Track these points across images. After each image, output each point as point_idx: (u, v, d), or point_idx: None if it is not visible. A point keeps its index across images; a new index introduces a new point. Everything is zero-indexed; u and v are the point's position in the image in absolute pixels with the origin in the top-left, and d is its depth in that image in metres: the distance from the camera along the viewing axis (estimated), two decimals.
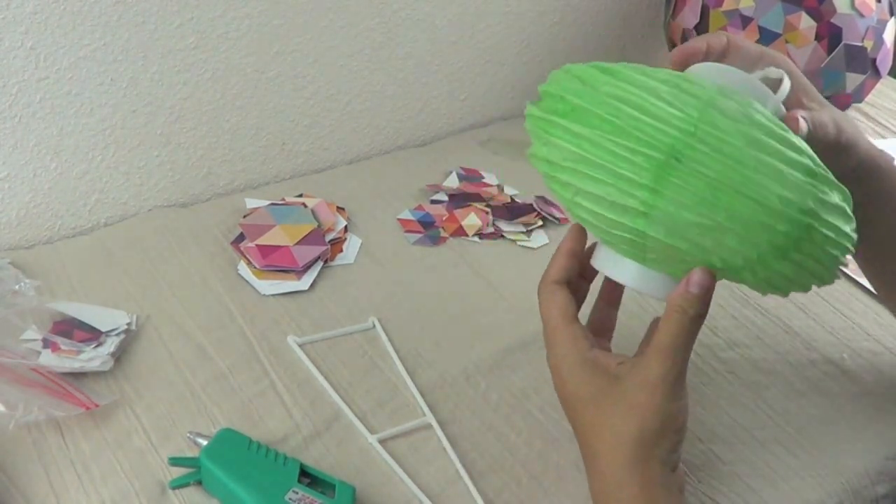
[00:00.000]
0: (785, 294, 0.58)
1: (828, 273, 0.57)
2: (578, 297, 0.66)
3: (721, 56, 0.65)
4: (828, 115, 0.64)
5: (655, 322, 0.66)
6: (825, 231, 0.54)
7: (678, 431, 0.58)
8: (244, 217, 0.90)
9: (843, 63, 1.04)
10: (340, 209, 0.94)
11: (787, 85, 0.62)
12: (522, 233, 0.95)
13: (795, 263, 0.55)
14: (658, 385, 0.57)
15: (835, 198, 0.55)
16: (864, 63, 1.06)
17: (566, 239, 0.65)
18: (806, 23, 1.02)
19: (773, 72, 0.63)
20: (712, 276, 0.56)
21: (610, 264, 0.61)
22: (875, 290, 0.81)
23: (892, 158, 0.71)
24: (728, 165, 0.52)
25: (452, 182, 1.01)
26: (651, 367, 0.57)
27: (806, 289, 0.58)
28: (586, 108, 0.56)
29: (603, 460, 0.59)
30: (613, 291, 0.69)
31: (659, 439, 0.57)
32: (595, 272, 0.65)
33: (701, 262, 0.56)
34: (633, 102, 0.54)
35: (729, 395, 0.78)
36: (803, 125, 0.60)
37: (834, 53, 1.03)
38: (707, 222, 0.53)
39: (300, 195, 0.96)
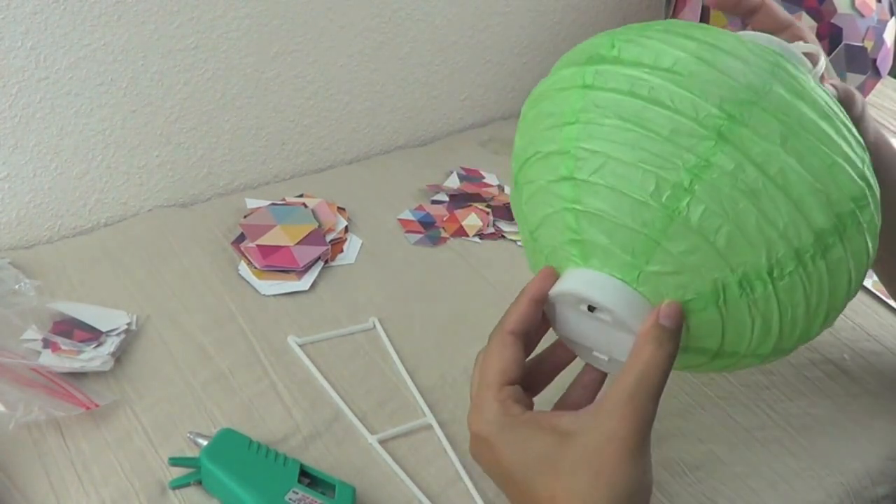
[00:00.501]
0: (777, 347, 0.54)
1: (848, 288, 0.53)
2: (530, 347, 0.58)
3: (751, 14, 0.64)
4: (853, 89, 0.63)
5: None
6: (872, 211, 0.51)
7: (648, 490, 0.50)
8: (244, 217, 0.90)
9: (844, 63, 1.04)
10: (341, 209, 0.94)
11: (823, 62, 0.58)
12: None
13: (829, 264, 0.51)
14: (628, 439, 0.48)
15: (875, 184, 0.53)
16: (865, 63, 1.05)
17: (534, 283, 0.56)
18: (806, 23, 1.02)
19: (806, 47, 0.60)
20: (682, 313, 0.51)
21: (581, 281, 0.53)
22: (886, 288, 0.79)
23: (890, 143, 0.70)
24: (803, 113, 0.49)
25: (453, 182, 1.01)
26: (615, 417, 0.49)
27: (812, 326, 0.54)
28: (645, 42, 0.51)
29: None
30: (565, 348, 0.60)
31: (632, 502, 0.49)
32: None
33: (715, 271, 0.50)
34: (707, 40, 0.50)
35: (729, 395, 0.78)
36: (832, 91, 0.57)
37: (834, 53, 1.03)
38: (765, 187, 0.48)
39: (301, 195, 0.96)
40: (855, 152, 0.51)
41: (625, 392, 0.49)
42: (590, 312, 0.53)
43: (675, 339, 0.51)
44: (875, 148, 0.66)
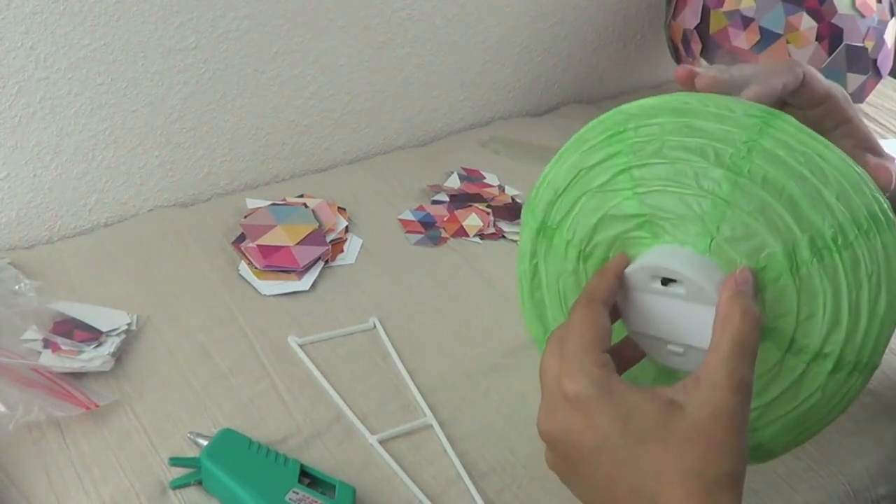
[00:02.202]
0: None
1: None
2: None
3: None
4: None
5: None
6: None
7: (747, 462, 0.49)
8: (245, 217, 0.90)
9: (844, 63, 1.04)
10: (341, 209, 0.94)
11: None
12: None
13: (884, 244, 0.52)
14: (736, 415, 0.47)
15: None
16: (865, 63, 1.05)
17: (613, 261, 0.56)
18: (807, 23, 1.02)
19: None
20: (754, 280, 0.52)
21: (653, 254, 0.54)
22: None
23: None
24: (818, 137, 0.53)
25: (454, 182, 1.01)
26: (721, 389, 0.47)
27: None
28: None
29: None
30: None
31: (741, 477, 0.48)
32: None
33: (785, 233, 0.51)
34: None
35: None
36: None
37: (835, 54, 1.03)
38: (812, 159, 0.52)
39: (301, 195, 0.96)
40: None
41: (725, 362, 0.48)
42: (664, 287, 0.53)
43: (755, 305, 0.50)
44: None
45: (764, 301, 0.53)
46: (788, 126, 0.53)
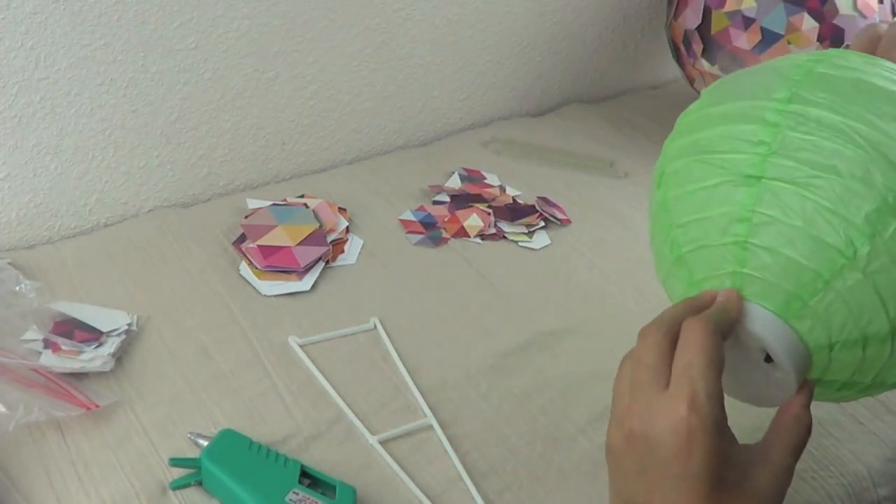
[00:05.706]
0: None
1: None
2: None
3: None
4: None
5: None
6: None
7: None
8: (245, 217, 0.90)
9: None
10: (342, 210, 0.94)
11: None
12: (524, 234, 0.95)
13: None
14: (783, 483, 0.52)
15: None
16: None
17: (735, 298, 0.51)
18: (808, 24, 1.02)
19: None
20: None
21: (772, 332, 0.50)
22: None
23: None
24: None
25: (454, 183, 1.01)
26: (776, 475, 0.52)
27: None
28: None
29: None
30: None
31: None
32: None
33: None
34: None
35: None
36: None
37: None
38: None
39: (301, 195, 0.96)
40: None
41: (781, 466, 0.52)
42: (761, 360, 0.52)
43: (809, 414, 0.52)
44: None
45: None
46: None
